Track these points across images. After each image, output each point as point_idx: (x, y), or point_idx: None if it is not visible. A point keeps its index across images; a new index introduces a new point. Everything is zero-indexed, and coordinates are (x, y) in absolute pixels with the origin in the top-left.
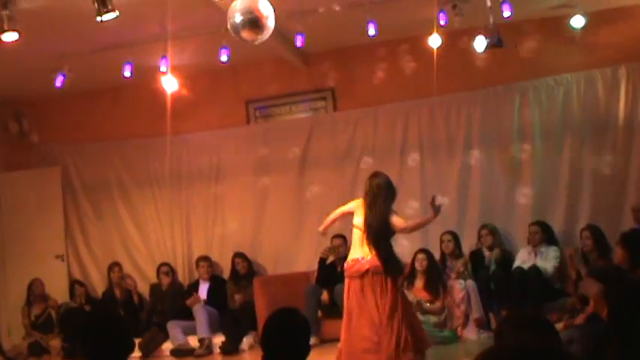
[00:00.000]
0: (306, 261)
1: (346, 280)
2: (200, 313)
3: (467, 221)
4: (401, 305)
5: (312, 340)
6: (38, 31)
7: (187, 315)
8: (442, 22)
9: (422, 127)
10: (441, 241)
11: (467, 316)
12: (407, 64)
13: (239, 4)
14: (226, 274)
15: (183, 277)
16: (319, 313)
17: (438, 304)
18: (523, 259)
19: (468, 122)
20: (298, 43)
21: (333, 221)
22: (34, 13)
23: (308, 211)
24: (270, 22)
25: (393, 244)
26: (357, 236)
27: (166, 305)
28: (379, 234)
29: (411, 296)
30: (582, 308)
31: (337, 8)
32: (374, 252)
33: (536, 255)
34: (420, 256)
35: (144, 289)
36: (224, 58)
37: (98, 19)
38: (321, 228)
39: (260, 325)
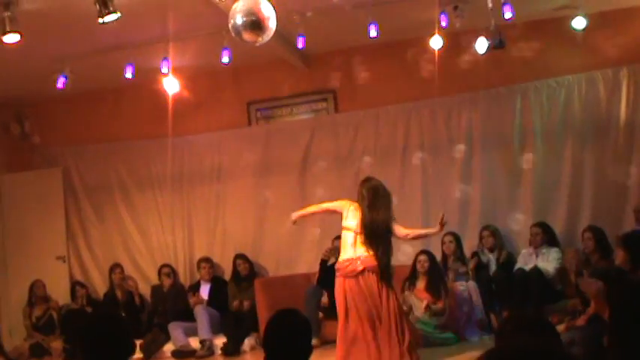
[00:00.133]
0: (307, 262)
1: (340, 280)
2: (201, 315)
3: (468, 222)
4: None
5: (313, 342)
6: (40, 33)
7: (189, 316)
8: (443, 24)
9: (423, 128)
10: (443, 242)
11: (468, 318)
12: (408, 66)
13: (240, 5)
14: (227, 276)
15: (184, 279)
16: (320, 314)
17: (439, 306)
18: (524, 260)
19: (469, 123)
20: (300, 45)
21: (312, 214)
22: (35, 15)
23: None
24: (272, 24)
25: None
26: (349, 238)
27: (168, 306)
28: (382, 235)
29: (412, 297)
30: (584, 310)
31: (339, 10)
32: (372, 252)
33: (537, 256)
34: (422, 257)
35: (145, 290)
36: (225, 59)
37: (100, 20)
38: (295, 216)
39: (261, 326)
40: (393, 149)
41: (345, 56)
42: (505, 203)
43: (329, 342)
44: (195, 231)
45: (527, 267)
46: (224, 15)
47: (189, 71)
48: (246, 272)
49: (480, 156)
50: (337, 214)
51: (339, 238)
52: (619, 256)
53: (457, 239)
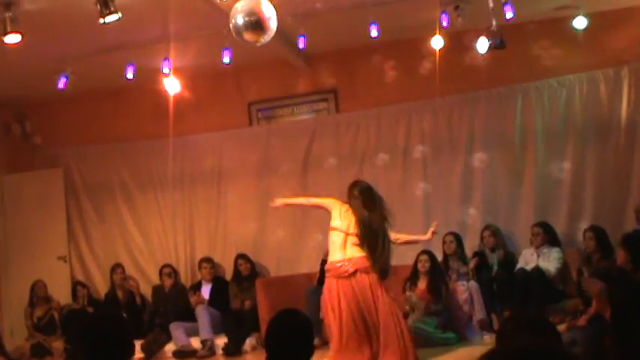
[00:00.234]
0: (308, 262)
1: (332, 281)
2: (202, 315)
3: (470, 222)
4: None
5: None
6: (41, 33)
7: (190, 316)
8: (444, 24)
9: (424, 128)
10: (444, 242)
11: (470, 318)
12: (409, 66)
13: (241, 5)
14: (229, 276)
15: (185, 279)
16: (321, 314)
17: (440, 306)
18: (526, 260)
19: (470, 123)
20: (301, 45)
21: (297, 205)
22: (36, 15)
23: (311, 212)
24: (273, 24)
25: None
26: (339, 239)
27: (169, 307)
28: (379, 235)
29: (414, 298)
30: (585, 309)
31: (340, 10)
32: (369, 253)
33: (538, 256)
34: (423, 257)
35: (146, 290)
36: (226, 59)
37: (101, 21)
38: (279, 202)
39: (262, 326)
40: (395, 149)
41: (346, 56)
42: (506, 203)
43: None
44: (196, 231)
45: (529, 267)
46: (225, 15)
47: (190, 71)
48: (248, 272)
49: (481, 156)
50: (324, 211)
51: None
52: (620, 256)
53: (458, 239)
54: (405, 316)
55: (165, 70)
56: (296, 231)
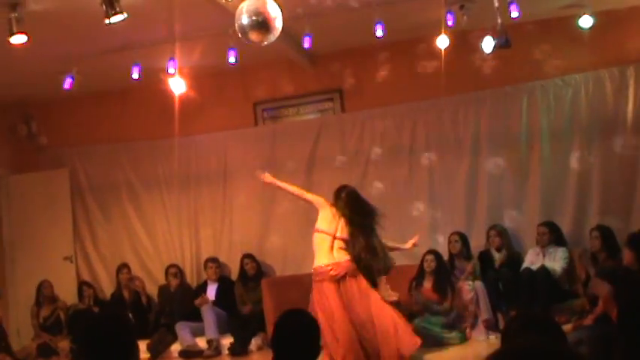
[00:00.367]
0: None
1: (321, 284)
2: (208, 315)
3: (475, 222)
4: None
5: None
6: (47, 34)
7: (196, 316)
8: (450, 23)
9: (430, 127)
10: (449, 242)
11: (475, 317)
12: (415, 65)
13: (247, 5)
14: (234, 276)
15: (191, 279)
16: None
17: (446, 305)
18: (531, 259)
19: (475, 123)
20: (306, 45)
21: (284, 190)
22: (42, 16)
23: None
24: (278, 24)
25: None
26: (326, 242)
27: (175, 307)
28: (371, 237)
29: (419, 297)
30: (591, 309)
31: (345, 9)
32: (361, 255)
33: (544, 256)
34: (429, 257)
35: (152, 290)
36: (232, 59)
37: (106, 21)
38: (267, 178)
39: (268, 326)
40: (400, 149)
41: (351, 56)
42: (512, 202)
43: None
44: (201, 231)
45: (534, 266)
46: (230, 15)
47: (196, 71)
48: (254, 272)
49: (487, 155)
50: (311, 207)
51: None
52: (626, 256)
53: (463, 239)
54: (414, 316)
55: (171, 70)
56: (301, 231)
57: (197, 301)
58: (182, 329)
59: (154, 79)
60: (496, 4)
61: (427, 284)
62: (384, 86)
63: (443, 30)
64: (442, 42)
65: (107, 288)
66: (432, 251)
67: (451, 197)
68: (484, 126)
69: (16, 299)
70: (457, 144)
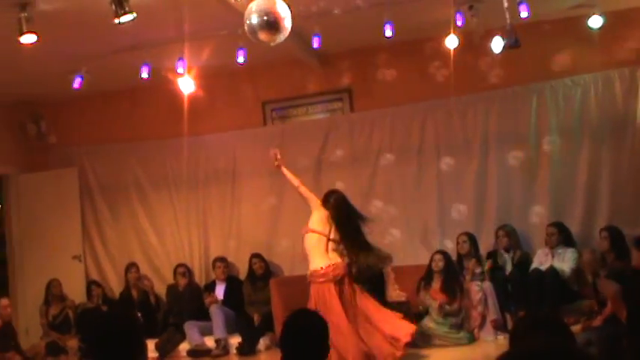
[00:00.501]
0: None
1: (322, 286)
2: (216, 314)
3: (484, 222)
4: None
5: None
6: (56, 33)
7: (204, 316)
8: (459, 23)
9: (439, 127)
10: (457, 243)
11: (484, 318)
12: (424, 65)
13: (256, 5)
14: (242, 275)
15: (199, 278)
16: None
17: (455, 306)
18: (540, 260)
19: (484, 123)
20: (315, 44)
21: (286, 177)
22: (52, 15)
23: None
24: (287, 24)
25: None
26: (321, 243)
27: (183, 306)
28: (358, 237)
29: (428, 298)
30: (600, 310)
31: (354, 9)
32: (352, 258)
33: (553, 256)
34: (437, 256)
35: (161, 289)
36: (241, 59)
37: (116, 21)
38: (279, 155)
39: (276, 326)
40: (409, 149)
41: (360, 56)
42: (521, 203)
43: None
44: (210, 230)
45: (543, 267)
46: (239, 15)
47: (205, 71)
48: (262, 271)
49: (496, 155)
50: (305, 204)
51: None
52: (634, 257)
53: (471, 239)
54: (422, 316)
55: (180, 69)
56: None
57: (206, 300)
58: (190, 328)
59: (163, 79)
60: (505, 4)
61: (435, 284)
62: (393, 86)
63: (452, 30)
64: (451, 42)
65: (116, 287)
66: (440, 251)
67: (460, 197)
68: (493, 126)
69: (25, 298)
70: (466, 144)
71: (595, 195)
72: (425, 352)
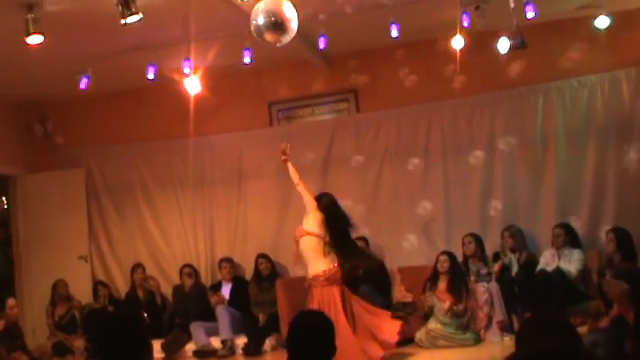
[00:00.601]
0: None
1: (322, 289)
2: (223, 315)
3: (490, 223)
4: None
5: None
6: (63, 34)
7: (210, 316)
8: (465, 24)
9: (445, 128)
10: (463, 244)
11: (490, 319)
12: (430, 66)
13: (262, 6)
14: (248, 276)
15: (205, 279)
16: None
17: (460, 307)
18: (547, 261)
19: (491, 124)
20: (321, 45)
21: (290, 174)
22: (58, 16)
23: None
24: (294, 25)
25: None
26: (320, 246)
27: (189, 306)
28: (347, 240)
29: (433, 299)
30: (606, 311)
31: (360, 10)
32: (340, 261)
33: (559, 257)
34: (442, 257)
35: (167, 290)
36: (247, 59)
37: (122, 21)
38: (287, 150)
39: (282, 326)
40: (415, 149)
41: (366, 56)
42: (527, 204)
43: None
44: (216, 231)
45: (550, 268)
46: (246, 16)
47: (211, 71)
48: (268, 272)
49: (502, 156)
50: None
51: (359, 239)
52: None
53: (477, 240)
54: (428, 316)
55: (186, 70)
56: None
57: (213, 300)
58: (196, 329)
59: (169, 79)
60: (512, 5)
61: (441, 285)
62: (399, 87)
63: (458, 30)
64: (457, 43)
65: (122, 287)
66: (445, 252)
67: (466, 198)
68: (499, 127)
69: (32, 298)
70: (472, 145)
71: (602, 196)
72: (430, 352)
